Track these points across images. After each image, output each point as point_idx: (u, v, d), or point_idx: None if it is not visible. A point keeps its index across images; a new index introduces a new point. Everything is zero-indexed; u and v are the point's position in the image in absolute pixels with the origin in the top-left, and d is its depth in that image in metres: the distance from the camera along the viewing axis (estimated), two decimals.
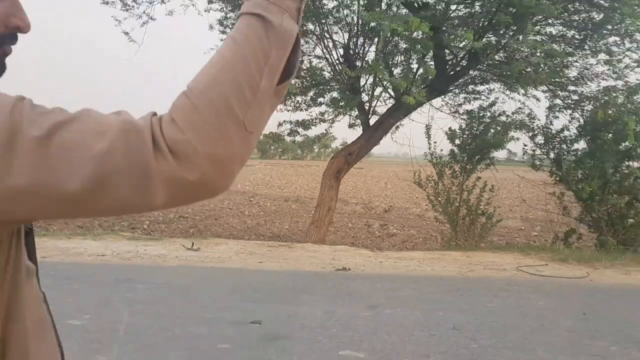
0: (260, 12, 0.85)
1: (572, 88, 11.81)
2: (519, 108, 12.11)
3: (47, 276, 6.63)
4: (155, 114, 0.83)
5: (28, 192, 0.78)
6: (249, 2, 0.87)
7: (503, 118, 11.98)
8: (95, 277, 7.13)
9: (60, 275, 6.93)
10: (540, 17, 9.96)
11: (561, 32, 11.23)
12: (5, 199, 0.78)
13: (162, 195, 0.80)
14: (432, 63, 10.84)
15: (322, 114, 12.59)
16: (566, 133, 11.67)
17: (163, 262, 8.22)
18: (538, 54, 9.88)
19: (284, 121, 12.33)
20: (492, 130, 11.68)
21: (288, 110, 12.20)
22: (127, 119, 0.81)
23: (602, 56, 11.08)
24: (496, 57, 10.63)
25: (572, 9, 10.67)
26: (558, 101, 11.82)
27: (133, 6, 10.91)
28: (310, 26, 11.52)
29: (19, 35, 0.96)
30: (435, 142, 11.88)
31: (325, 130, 13.19)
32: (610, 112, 10.18)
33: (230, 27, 11.56)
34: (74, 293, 6.29)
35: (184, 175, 0.79)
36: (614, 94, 10.67)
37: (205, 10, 11.52)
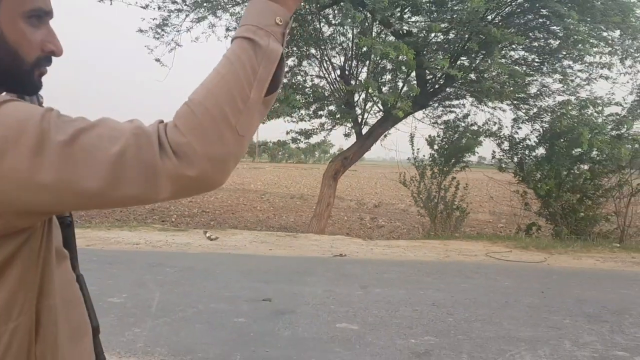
0: (250, 35, 0.86)
1: (532, 102, 11.83)
2: (488, 119, 12.17)
3: (91, 261, 6.70)
4: (162, 121, 0.84)
5: (54, 187, 0.79)
6: (241, 28, 0.88)
7: (475, 127, 12.01)
8: (131, 262, 7.15)
9: (101, 261, 6.95)
10: (505, 43, 9.99)
11: (523, 56, 11.26)
12: (35, 194, 0.79)
13: (167, 189, 0.82)
14: (415, 81, 10.87)
15: (322, 124, 12.60)
16: (528, 141, 11.70)
17: (188, 249, 8.23)
18: (504, 74, 9.91)
19: (291, 130, 12.34)
20: (464, 139, 11.70)
21: (294, 121, 12.20)
22: (138, 125, 0.82)
23: (557, 76, 11.13)
24: (468, 76, 10.65)
25: (532, 36, 10.69)
26: (521, 113, 11.84)
27: (163, 34, 10.90)
28: (312, 50, 11.53)
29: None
30: (418, 149, 11.91)
31: (324, 137, 13.18)
32: (565, 123, 10.20)
33: None
34: (113, 275, 6.30)
35: (185, 172, 0.81)
36: (569, 107, 10.70)
37: (224, 37, 11.50)
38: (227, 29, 11.38)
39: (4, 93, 0.92)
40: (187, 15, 10.70)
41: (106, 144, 0.79)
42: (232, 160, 0.85)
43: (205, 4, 10.47)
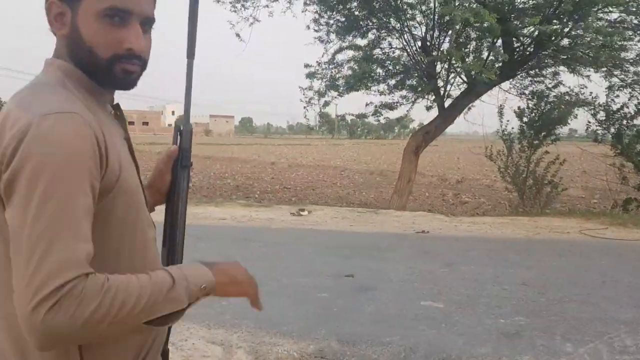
0: (177, 278, 0.94)
1: (631, 69, 10.97)
2: (581, 86, 11.41)
3: None
4: (87, 274, 0.86)
5: None
6: (179, 270, 0.97)
7: (568, 97, 11.34)
8: (218, 236, 7.36)
9: (190, 235, 7.15)
10: (600, 5, 9.27)
11: (620, 17, 10.40)
12: None
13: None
14: (501, 50, 10.37)
15: (403, 97, 12.33)
16: (625, 110, 10.91)
17: (271, 224, 8.38)
18: (600, 39, 9.21)
19: (370, 102, 12.11)
20: (557, 109, 11.09)
21: (373, 94, 12.01)
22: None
23: None
24: (560, 43, 10.02)
25: None
26: (616, 80, 11.02)
27: (240, 9, 11.03)
28: (392, 22, 11.26)
29: None
30: (508, 121, 11.43)
31: (406, 112, 12.87)
32: None
33: (323, 25, 11.48)
34: (201, 250, 6.51)
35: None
36: None
37: (302, 12, 11.46)
38: (305, 3, 11.30)
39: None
40: None
41: None
42: (77, 337, 0.86)
43: None
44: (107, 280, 0.86)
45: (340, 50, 11.41)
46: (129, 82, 1.05)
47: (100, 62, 1.01)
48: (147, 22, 1.05)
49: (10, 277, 0.87)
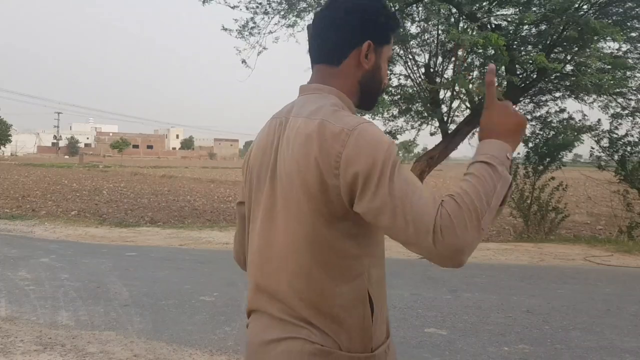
0: (490, 161, 1.14)
1: (630, 97, 11.07)
2: (582, 113, 11.50)
3: (184, 260, 6.99)
4: (442, 201, 1.10)
5: None
6: (482, 156, 1.16)
7: (572, 122, 11.41)
8: (221, 261, 7.37)
9: (194, 260, 7.23)
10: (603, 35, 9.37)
11: (621, 48, 10.51)
12: None
13: (429, 246, 1.08)
14: (506, 77, 10.47)
15: (407, 122, 12.43)
16: (629, 137, 10.97)
17: None
18: (605, 65, 9.30)
19: None
20: (562, 135, 11.14)
21: (378, 119, 12.13)
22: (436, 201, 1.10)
23: None
24: (564, 69, 10.11)
25: (630, 26, 9.97)
26: (618, 109, 11.11)
27: (249, 36, 11.18)
28: (397, 49, 11.42)
29: None
30: None
31: (414, 137, 12.99)
32: None
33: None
34: (205, 274, 6.54)
35: (438, 253, 1.08)
36: None
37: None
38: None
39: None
40: (271, 19, 10.92)
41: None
42: (474, 246, 1.08)
43: (298, 7, 10.64)
44: (458, 195, 1.09)
45: None
46: (375, 105, 1.46)
47: (379, 91, 1.41)
48: None
49: (313, 259, 1.23)
